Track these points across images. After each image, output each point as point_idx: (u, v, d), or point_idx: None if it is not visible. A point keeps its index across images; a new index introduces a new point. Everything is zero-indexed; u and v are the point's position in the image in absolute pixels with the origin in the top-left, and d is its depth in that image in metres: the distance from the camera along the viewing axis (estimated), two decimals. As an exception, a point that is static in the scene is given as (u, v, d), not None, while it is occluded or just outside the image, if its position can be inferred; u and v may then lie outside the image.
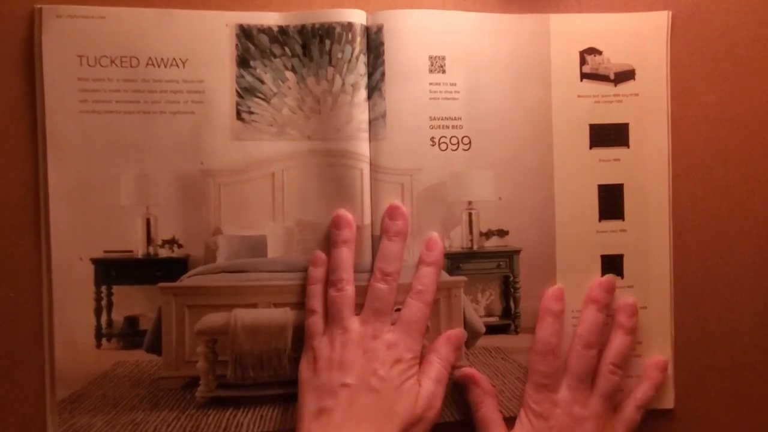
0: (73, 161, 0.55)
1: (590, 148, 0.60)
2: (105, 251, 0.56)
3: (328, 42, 0.57)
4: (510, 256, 0.60)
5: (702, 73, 0.61)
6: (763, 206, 0.61)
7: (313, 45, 0.57)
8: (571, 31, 0.60)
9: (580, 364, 0.56)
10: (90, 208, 0.56)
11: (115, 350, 0.56)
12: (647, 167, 0.61)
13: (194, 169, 0.57)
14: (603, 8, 0.60)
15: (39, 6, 0.55)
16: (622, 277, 0.60)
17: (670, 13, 0.60)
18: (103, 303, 0.56)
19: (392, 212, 0.57)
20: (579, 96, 0.60)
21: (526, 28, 0.59)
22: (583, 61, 0.60)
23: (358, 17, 0.57)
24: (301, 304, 0.57)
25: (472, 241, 0.60)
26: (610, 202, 0.60)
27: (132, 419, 0.56)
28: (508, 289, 0.61)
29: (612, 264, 0.60)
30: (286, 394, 0.57)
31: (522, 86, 0.59)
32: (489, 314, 0.61)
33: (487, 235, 0.60)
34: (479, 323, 0.60)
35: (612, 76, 0.60)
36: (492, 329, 0.60)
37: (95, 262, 0.56)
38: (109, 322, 0.56)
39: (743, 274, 0.61)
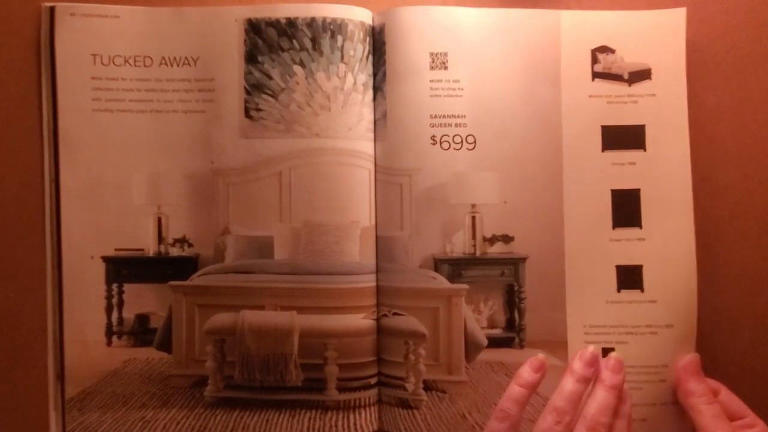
0: (86, 160, 0.56)
1: (603, 150, 0.56)
2: (116, 249, 0.56)
3: (340, 38, 0.56)
4: (515, 263, 0.57)
5: (701, 73, 0.59)
6: (763, 206, 0.59)
7: (323, 39, 0.56)
8: (583, 28, 0.56)
9: None
10: (102, 206, 0.56)
11: (125, 348, 0.57)
12: (667, 171, 0.56)
13: (205, 168, 0.57)
14: (616, 4, 0.58)
15: (51, 4, 0.55)
16: (642, 291, 0.56)
17: (686, 9, 0.57)
18: (114, 301, 0.57)
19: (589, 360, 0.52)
20: (590, 96, 0.56)
21: (534, 24, 0.56)
22: (594, 60, 0.57)
23: (366, 16, 0.56)
24: (307, 308, 0.56)
25: (475, 246, 0.57)
26: (625, 208, 0.56)
27: (141, 417, 0.56)
28: (513, 299, 0.58)
29: (629, 275, 0.56)
30: (292, 400, 0.56)
31: (530, 85, 0.56)
32: (492, 326, 0.58)
33: (492, 240, 0.57)
34: (481, 335, 0.57)
35: (626, 76, 0.56)
36: (495, 342, 0.57)
37: (106, 260, 0.56)
38: (120, 320, 0.57)
39: (742, 274, 0.59)
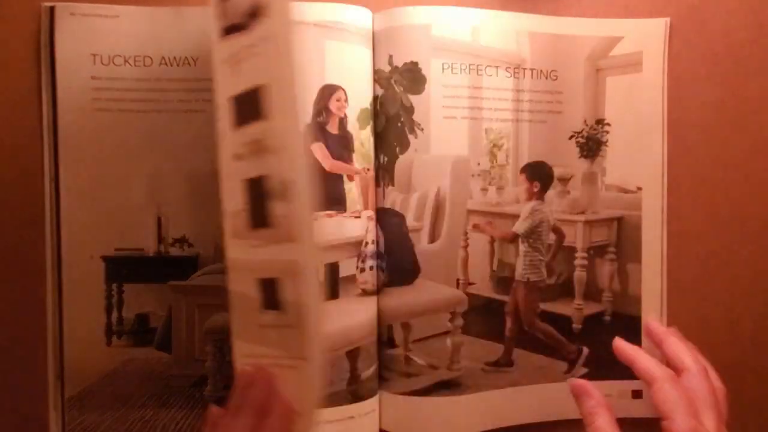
0: (86, 159, 0.56)
1: (237, 127, 0.42)
2: (116, 249, 0.56)
3: (339, 37, 0.55)
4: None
5: (701, 73, 0.60)
6: (763, 206, 0.60)
7: (322, 40, 0.56)
8: None
9: None
10: (101, 206, 0.56)
11: (125, 347, 0.57)
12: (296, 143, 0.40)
13: (204, 168, 0.57)
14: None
15: (51, 4, 0.55)
16: (281, 311, 0.41)
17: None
18: (114, 300, 0.57)
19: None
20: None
21: None
22: (221, 14, 0.41)
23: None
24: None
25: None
26: (258, 202, 0.42)
27: (141, 416, 0.56)
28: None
29: (269, 292, 0.42)
30: (291, 399, 0.56)
31: None
32: None
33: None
34: None
35: (241, 19, 0.40)
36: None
37: (106, 259, 0.56)
38: (120, 320, 0.57)
39: (742, 274, 0.60)
